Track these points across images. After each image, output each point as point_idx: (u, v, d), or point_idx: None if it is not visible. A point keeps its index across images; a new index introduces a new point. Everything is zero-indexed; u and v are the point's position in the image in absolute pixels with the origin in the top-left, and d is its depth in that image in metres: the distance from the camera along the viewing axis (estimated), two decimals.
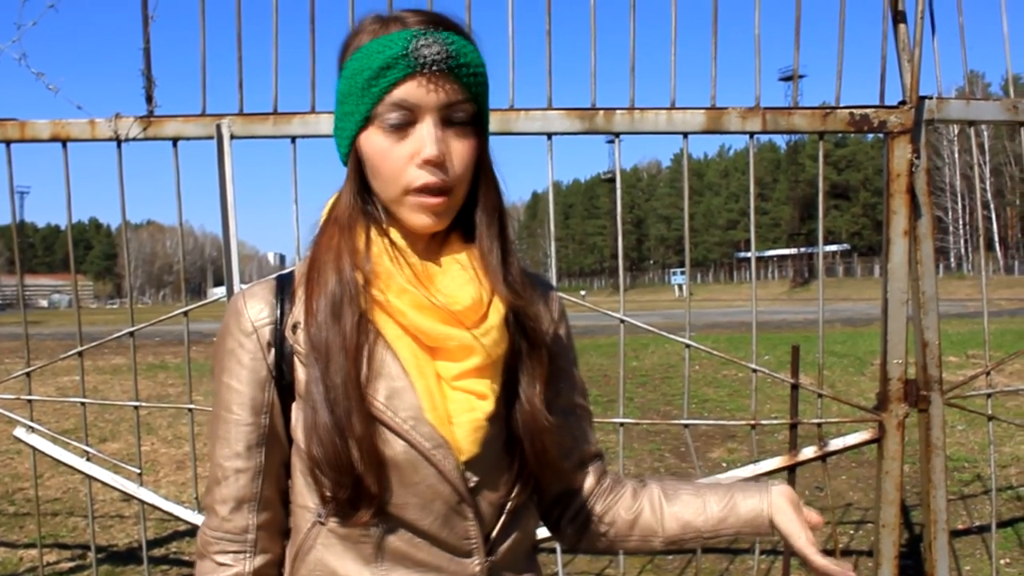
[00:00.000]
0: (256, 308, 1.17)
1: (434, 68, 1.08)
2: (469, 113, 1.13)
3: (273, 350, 1.16)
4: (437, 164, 1.10)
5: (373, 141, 1.12)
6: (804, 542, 1.27)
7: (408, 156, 1.10)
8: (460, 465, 1.14)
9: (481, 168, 1.18)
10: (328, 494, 1.12)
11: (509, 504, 1.20)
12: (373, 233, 1.16)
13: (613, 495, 1.35)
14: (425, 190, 1.11)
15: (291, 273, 1.22)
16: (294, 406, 1.17)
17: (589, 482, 1.34)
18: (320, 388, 1.11)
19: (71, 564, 4.82)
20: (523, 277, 1.23)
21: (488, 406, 1.15)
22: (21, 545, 5.13)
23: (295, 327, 1.15)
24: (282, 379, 1.17)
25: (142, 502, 3.39)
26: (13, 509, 6.02)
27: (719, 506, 1.31)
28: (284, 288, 1.19)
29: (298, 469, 1.18)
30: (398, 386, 1.12)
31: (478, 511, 1.17)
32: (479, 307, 1.15)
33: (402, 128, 1.10)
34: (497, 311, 1.17)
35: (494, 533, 1.19)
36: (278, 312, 1.17)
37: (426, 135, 1.09)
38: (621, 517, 1.34)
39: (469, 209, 1.19)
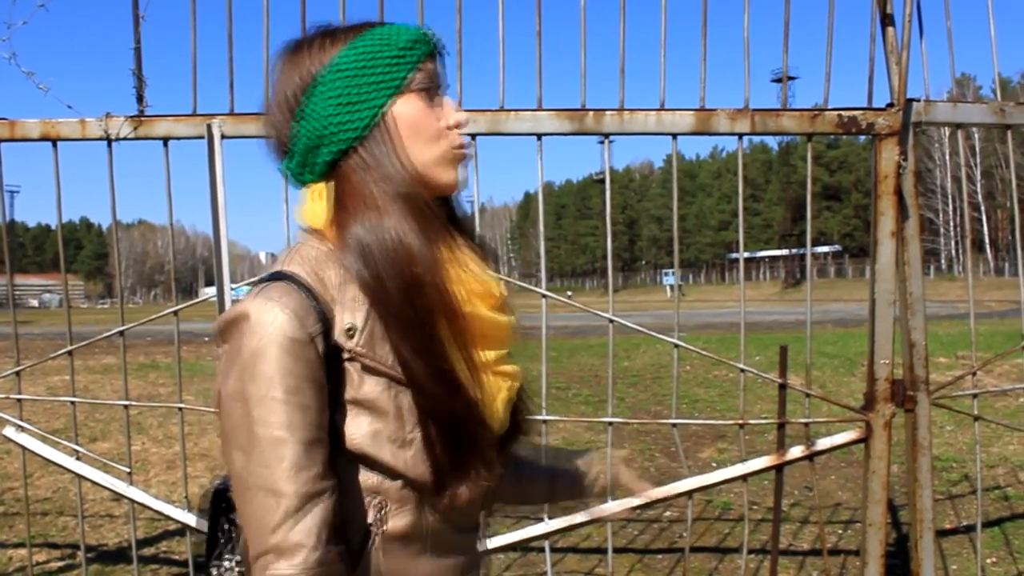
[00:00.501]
0: (304, 316, 1.07)
1: (443, 55, 1.23)
2: None
3: (326, 359, 1.08)
4: (465, 127, 1.23)
5: (415, 105, 1.18)
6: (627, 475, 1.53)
7: (439, 120, 1.20)
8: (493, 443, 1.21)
9: None
10: (399, 490, 1.12)
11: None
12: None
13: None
14: (460, 147, 1.21)
15: (292, 274, 1.12)
16: (349, 416, 1.11)
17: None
18: (430, 397, 1.10)
19: (61, 564, 4.81)
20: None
21: (517, 383, 1.24)
22: (10, 545, 5.11)
23: (350, 331, 1.10)
24: (335, 387, 1.10)
25: (132, 501, 3.39)
26: (3, 509, 6.00)
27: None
28: (307, 291, 1.10)
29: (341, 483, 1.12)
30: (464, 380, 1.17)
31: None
32: (501, 293, 1.24)
33: (434, 96, 1.20)
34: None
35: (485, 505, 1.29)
36: (320, 318, 1.08)
37: (452, 104, 1.22)
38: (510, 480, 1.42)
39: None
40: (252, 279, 3.36)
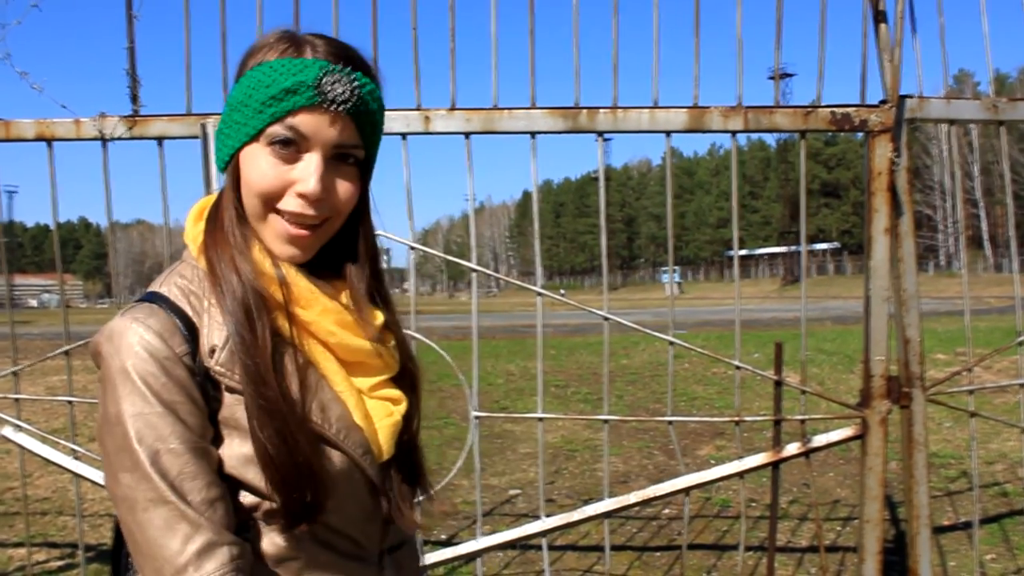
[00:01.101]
0: (169, 335, 1.07)
1: (339, 108, 1.10)
2: (358, 157, 1.16)
3: (197, 378, 1.08)
4: (314, 200, 1.12)
5: (257, 158, 1.12)
6: None
7: (287, 181, 1.12)
8: (379, 469, 1.20)
9: (362, 211, 1.21)
10: (268, 513, 1.10)
11: None
12: (261, 248, 1.15)
13: None
14: (295, 220, 1.13)
15: (162, 295, 1.12)
16: (224, 438, 1.10)
17: None
18: (259, 411, 1.07)
19: (60, 563, 4.82)
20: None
21: (403, 408, 1.24)
22: (10, 544, 5.12)
23: (212, 351, 1.09)
24: (208, 407, 1.09)
25: None
26: (2, 509, 6.00)
27: None
28: (175, 312, 1.10)
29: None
30: (326, 399, 1.15)
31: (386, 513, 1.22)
32: (381, 323, 1.23)
33: (289, 154, 1.11)
34: (390, 332, 1.25)
35: (389, 533, 1.25)
36: (188, 337, 1.08)
37: (312, 168, 1.11)
38: None
39: (339, 248, 1.22)
40: None
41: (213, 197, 1.21)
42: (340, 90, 1.09)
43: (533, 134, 3.06)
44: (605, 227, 3.19)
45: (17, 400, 3.47)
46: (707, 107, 3.03)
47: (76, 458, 3.43)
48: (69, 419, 3.52)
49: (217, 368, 1.08)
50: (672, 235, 3.29)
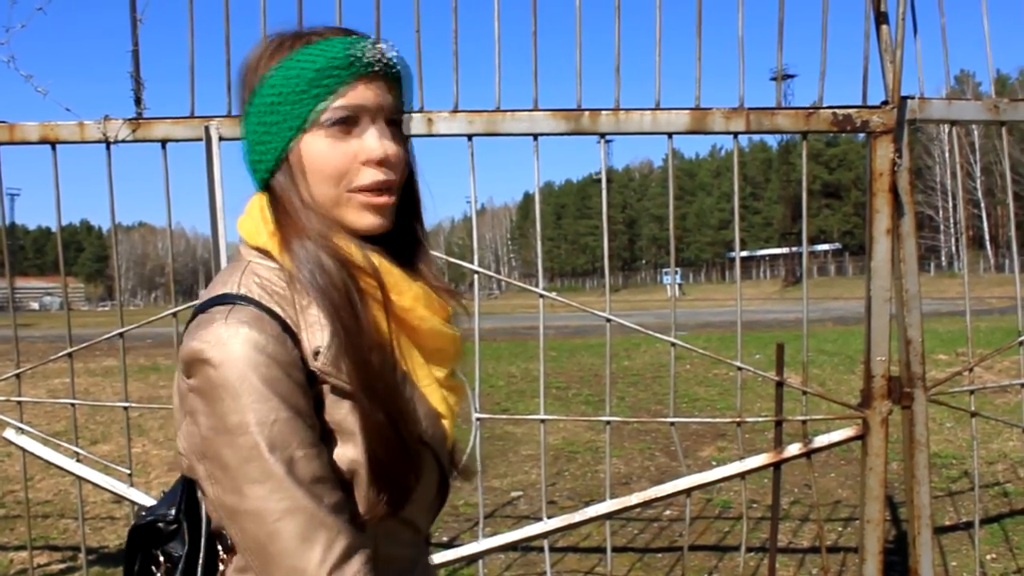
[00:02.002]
0: (283, 340, 1.04)
1: (378, 71, 1.11)
2: (400, 120, 1.16)
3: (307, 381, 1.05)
4: (386, 164, 1.11)
5: (314, 145, 1.11)
6: None
7: (352, 155, 1.11)
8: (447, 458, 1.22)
9: (411, 175, 1.20)
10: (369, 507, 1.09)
11: None
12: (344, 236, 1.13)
13: None
14: (373, 188, 1.12)
15: (247, 297, 1.07)
16: (338, 443, 1.08)
17: None
18: (372, 409, 1.06)
19: (62, 566, 4.82)
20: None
21: (463, 397, 1.25)
22: (12, 547, 5.13)
23: (316, 353, 1.05)
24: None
25: (132, 503, 3.40)
26: (3, 512, 6.01)
27: None
28: (273, 314, 1.06)
29: None
30: (417, 393, 1.15)
31: None
32: (451, 310, 1.23)
33: (345, 131, 1.11)
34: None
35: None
36: (294, 341, 1.05)
37: (375, 135, 1.11)
38: None
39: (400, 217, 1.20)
40: None
41: (262, 197, 1.17)
42: (376, 54, 1.10)
43: (535, 136, 3.07)
44: (607, 228, 3.20)
45: (20, 403, 3.48)
46: (709, 108, 3.04)
47: (78, 460, 3.44)
48: (72, 422, 3.53)
49: (325, 369, 1.05)
50: (674, 236, 3.30)
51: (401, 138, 1.16)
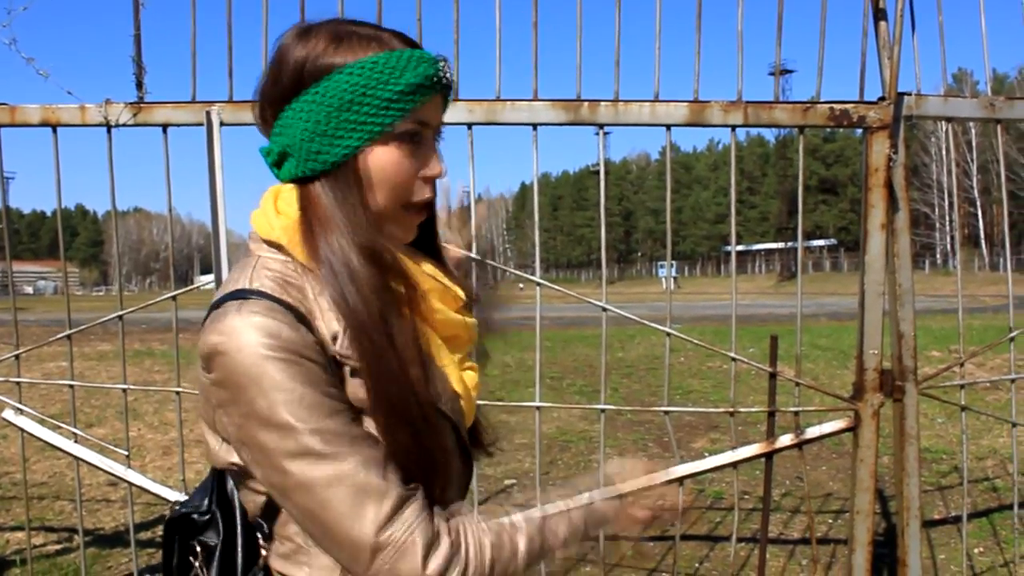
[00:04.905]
0: (294, 325, 1.05)
1: (449, 93, 1.17)
2: None
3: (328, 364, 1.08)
4: (436, 183, 1.18)
5: (390, 155, 1.12)
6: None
7: (415, 170, 1.15)
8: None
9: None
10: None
11: None
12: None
13: None
14: (424, 205, 1.18)
15: (258, 291, 1.08)
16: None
17: None
18: (380, 387, 1.08)
19: (58, 547, 4.85)
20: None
21: (479, 378, 1.31)
22: (8, 528, 5.15)
23: (335, 338, 1.08)
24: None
25: (131, 484, 3.42)
26: (0, 493, 6.04)
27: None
28: (286, 306, 1.07)
29: None
30: (436, 373, 1.19)
31: None
32: (464, 298, 1.28)
33: (414, 144, 1.14)
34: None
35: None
36: (308, 328, 1.07)
37: (435, 153, 1.17)
38: None
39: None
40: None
41: (281, 189, 1.19)
42: (450, 76, 1.16)
43: (535, 126, 3.08)
44: (604, 220, 3.22)
45: (19, 384, 3.50)
46: (707, 101, 3.06)
47: (76, 441, 3.45)
48: (69, 404, 3.55)
49: (343, 352, 1.08)
50: (671, 229, 3.32)
51: None
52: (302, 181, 1.15)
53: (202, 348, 1.06)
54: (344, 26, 1.15)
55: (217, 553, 1.16)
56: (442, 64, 1.14)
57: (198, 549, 1.19)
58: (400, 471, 1.08)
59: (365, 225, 1.12)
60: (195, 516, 1.19)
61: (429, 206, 1.20)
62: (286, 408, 1.01)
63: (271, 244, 1.16)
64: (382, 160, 1.12)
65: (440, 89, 1.14)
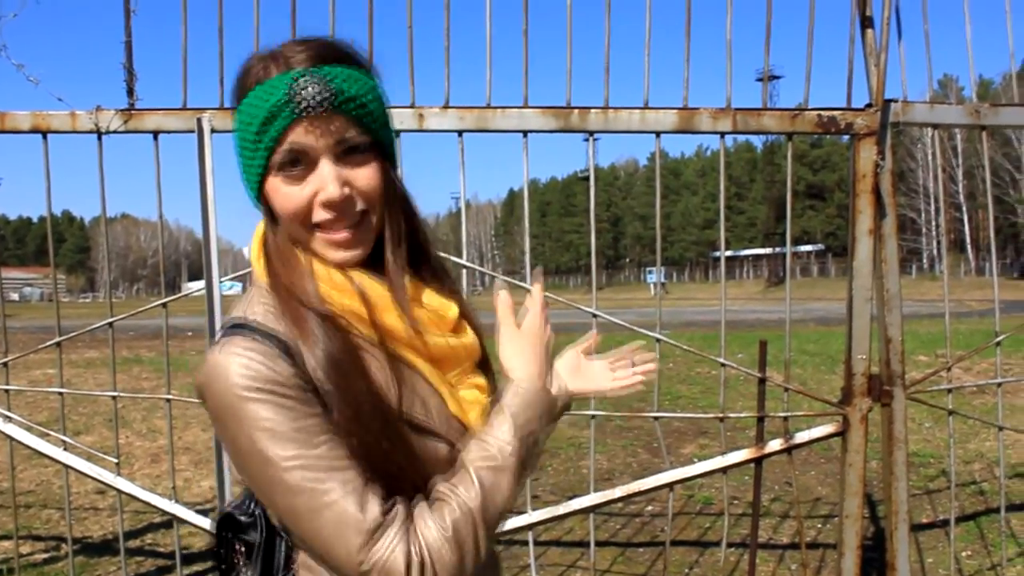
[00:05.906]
0: (273, 361, 1.08)
1: (317, 111, 1.09)
2: (366, 143, 1.15)
3: (312, 393, 1.11)
4: (338, 204, 1.13)
5: (277, 189, 1.14)
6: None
7: (310, 196, 1.14)
8: None
9: (385, 191, 1.19)
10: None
11: None
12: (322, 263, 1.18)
13: None
14: (331, 227, 1.15)
15: (250, 324, 1.13)
16: None
17: None
18: (345, 415, 1.10)
19: (45, 555, 4.82)
20: (450, 281, 1.35)
21: (488, 392, 1.30)
22: None
23: (315, 369, 1.12)
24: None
25: (119, 492, 3.41)
26: None
27: None
28: (269, 337, 1.11)
29: None
30: (425, 393, 1.21)
31: None
32: (457, 315, 1.29)
33: (300, 172, 1.13)
34: (464, 319, 1.33)
35: None
36: (291, 360, 1.10)
37: (326, 176, 1.12)
38: None
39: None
40: (236, 274, 3.39)
41: (261, 225, 1.24)
42: (312, 92, 1.09)
43: (525, 133, 3.10)
44: (594, 226, 3.23)
45: (7, 391, 3.48)
46: (697, 108, 3.08)
47: (64, 449, 3.44)
48: (57, 411, 3.53)
49: (320, 380, 1.11)
50: (660, 235, 3.34)
51: (370, 162, 1.16)
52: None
53: (194, 382, 1.13)
54: (255, 60, 1.16)
55: (257, 551, 1.23)
56: (297, 84, 1.09)
57: (241, 548, 1.26)
58: (383, 486, 1.10)
59: (292, 251, 1.18)
60: (241, 517, 1.25)
61: (352, 225, 1.16)
62: (265, 443, 1.06)
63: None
64: (272, 193, 1.15)
65: (299, 112, 1.09)
